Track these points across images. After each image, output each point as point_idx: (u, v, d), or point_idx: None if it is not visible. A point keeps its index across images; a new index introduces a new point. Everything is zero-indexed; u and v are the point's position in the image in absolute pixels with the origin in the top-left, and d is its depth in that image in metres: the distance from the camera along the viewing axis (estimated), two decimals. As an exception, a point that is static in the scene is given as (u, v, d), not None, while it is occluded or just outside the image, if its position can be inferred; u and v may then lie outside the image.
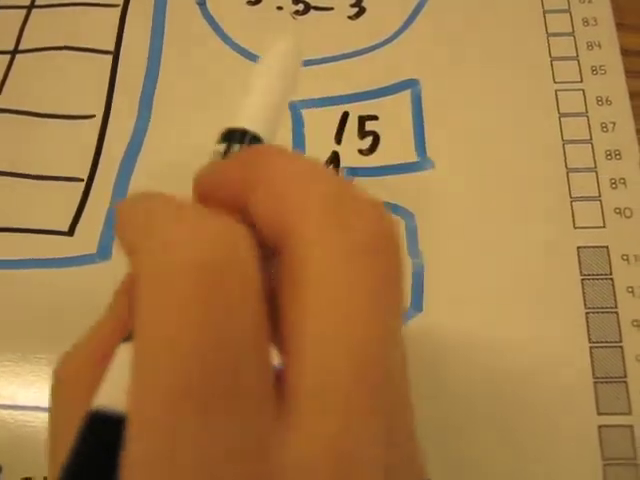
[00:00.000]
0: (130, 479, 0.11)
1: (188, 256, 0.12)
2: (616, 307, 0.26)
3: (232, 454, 0.11)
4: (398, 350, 0.13)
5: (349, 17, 0.31)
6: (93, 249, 0.28)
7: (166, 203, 0.14)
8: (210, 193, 0.15)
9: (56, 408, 0.14)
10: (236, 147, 0.17)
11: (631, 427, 0.24)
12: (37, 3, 0.33)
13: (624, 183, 0.27)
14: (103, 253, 0.28)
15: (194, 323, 0.11)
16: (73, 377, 0.15)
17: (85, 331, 0.15)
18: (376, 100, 0.29)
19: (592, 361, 0.25)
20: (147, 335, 0.11)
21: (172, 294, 0.11)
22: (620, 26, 0.31)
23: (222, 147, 0.17)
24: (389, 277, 0.13)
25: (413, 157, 0.28)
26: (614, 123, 0.28)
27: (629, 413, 0.24)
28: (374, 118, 0.29)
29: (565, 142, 0.28)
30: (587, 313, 0.25)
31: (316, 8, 0.31)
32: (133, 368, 0.11)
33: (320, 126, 0.29)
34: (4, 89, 0.31)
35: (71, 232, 0.28)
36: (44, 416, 0.25)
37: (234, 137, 0.17)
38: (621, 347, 0.25)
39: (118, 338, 0.14)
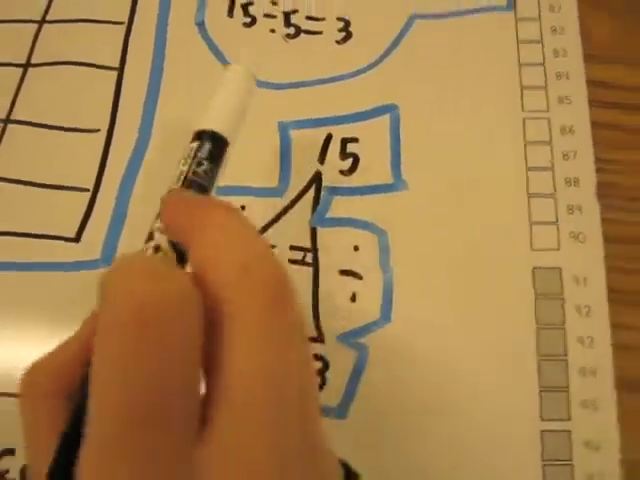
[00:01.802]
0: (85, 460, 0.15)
1: (138, 307, 0.15)
2: (564, 324, 0.29)
3: (158, 460, 0.15)
4: (307, 371, 0.17)
5: (337, 41, 0.34)
6: (97, 255, 0.32)
7: (143, 260, 0.17)
8: (168, 221, 0.19)
9: (23, 412, 0.18)
10: (207, 145, 0.21)
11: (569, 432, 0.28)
12: (48, 18, 0.36)
13: (580, 209, 0.31)
14: (106, 259, 0.31)
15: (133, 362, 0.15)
16: (37, 383, 0.19)
17: (53, 347, 0.19)
18: (358, 123, 0.33)
19: (539, 372, 0.28)
20: (98, 365, 0.15)
21: (117, 338, 0.15)
22: (587, 57, 0.33)
23: (195, 144, 0.22)
24: (293, 317, 0.17)
25: (389, 179, 0.31)
26: (575, 152, 0.32)
27: (568, 419, 0.28)
28: (355, 140, 0.32)
29: (529, 169, 0.31)
30: (538, 329, 0.29)
31: (306, 32, 0.35)
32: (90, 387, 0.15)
33: (305, 146, 0.32)
34: (17, 101, 0.35)
35: (77, 238, 0.32)
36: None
37: (204, 136, 0.22)
38: (566, 361, 0.29)
39: (80, 359, 0.18)
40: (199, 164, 0.21)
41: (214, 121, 0.22)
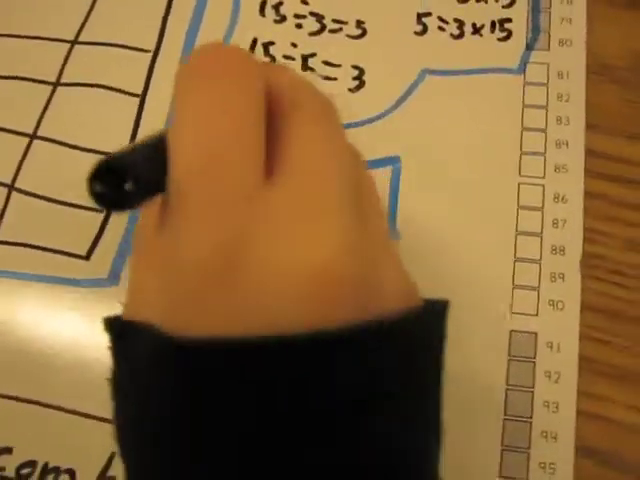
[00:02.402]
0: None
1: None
2: (532, 388, 0.31)
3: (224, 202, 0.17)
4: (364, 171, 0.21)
5: (349, 89, 0.36)
6: (105, 274, 0.34)
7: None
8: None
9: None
10: None
11: None
12: (80, 39, 0.39)
13: (562, 278, 0.32)
14: (113, 279, 0.34)
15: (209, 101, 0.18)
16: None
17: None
18: (360, 172, 0.34)
19: (503, 432, 0.31)
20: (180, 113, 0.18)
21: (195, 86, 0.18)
22: (590, 126, 0.35)
23: None
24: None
25: (383, 230, 0.33)
26: (565, 220, 0.33)
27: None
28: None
29: (518, 233, 0.33)
30: (507, 389, 0.31)
31: (322, 77, 0.36)
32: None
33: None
34: (44, 118, 0.37)
35: (88, 257, 0.35)
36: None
37: None
38: (530, 423, 0.31)
39: None
40: None
41: None
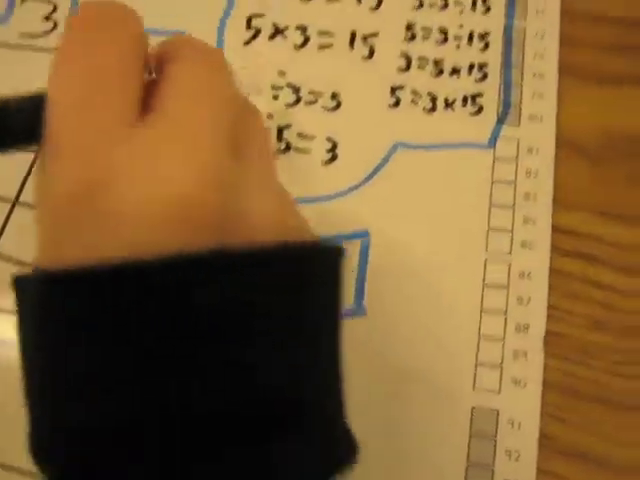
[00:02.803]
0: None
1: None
2: (493, 466, 0.32)
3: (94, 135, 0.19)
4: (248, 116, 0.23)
5: (323, 162, 0.37)
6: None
7: None
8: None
9: None
10: None
11: None
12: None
13: (525, 356, 0.33)
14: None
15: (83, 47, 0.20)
16: None
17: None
18: (330, 245, 0.35)
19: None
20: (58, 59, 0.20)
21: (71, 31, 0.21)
22: (557, 202, 0.36)
23: None
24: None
25: (350, 303, 0.34)
26: (530, 298, 0.34)
27: None
28: (326, 262, 0.35)
29: (483, 310, 0.34)
30: (467, 467, 0.32)
31: (296, 149, 0.37)
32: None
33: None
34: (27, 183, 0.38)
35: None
36: None
37: None
38: (489, 501, 0.32)
39: None
40: None
41: None
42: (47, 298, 0.19)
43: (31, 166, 0.39)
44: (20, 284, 0.20)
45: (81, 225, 0.19)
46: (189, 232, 0.18)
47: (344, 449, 0.22)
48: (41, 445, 0.20)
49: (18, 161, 0.39)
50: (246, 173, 0.21)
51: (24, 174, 0.40)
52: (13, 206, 0.39)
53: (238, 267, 0.19)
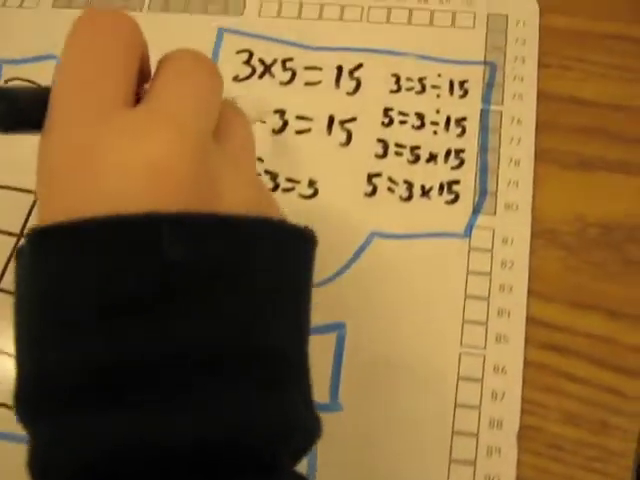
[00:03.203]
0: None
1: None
2: None
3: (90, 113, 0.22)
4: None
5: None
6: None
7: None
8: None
9: None
10: None
11: None
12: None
13: (499, 452, 0.33)
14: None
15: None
16: None
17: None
18: (306, 337, 0.36)
19: None
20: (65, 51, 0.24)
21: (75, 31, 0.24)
22: (532, 293, 0.36)
23: None
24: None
25: (326, 398, 0.35)
26: (504, 392, 0.34)
27: None
28: (301, 355, 0.35)
29: (457, 405, 0.34)
30: None
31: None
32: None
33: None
34: (7, 272, 0.39)
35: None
36: None
37: None
38: None
39: None
40: None
41: None
42: (39, 248, 0.21)
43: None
44: (20, 250, 0.23)
45: (69, 186, 0.22)
46: (161, 196, 0.21)
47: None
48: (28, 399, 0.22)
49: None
50: (224, 159, 0.24)
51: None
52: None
53: (205, 229, 0.21)
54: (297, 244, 0.25)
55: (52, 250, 0.21)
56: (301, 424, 0.24)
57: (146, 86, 0.26)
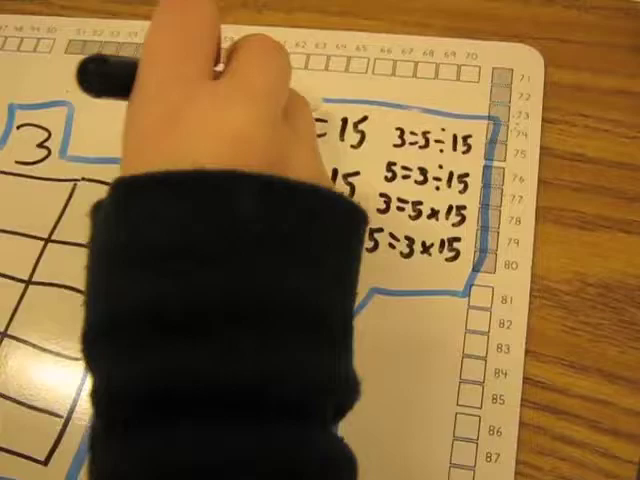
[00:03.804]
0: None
1: None
2: None
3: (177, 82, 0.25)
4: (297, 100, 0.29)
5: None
6: (61, 480, 0.37)
7: None
8: None
9: None
10: None
11: None
12: (53, 237, 0.42)
13: (492, 514, 0.34)
14: (69, 486, 0.37)
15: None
16: None
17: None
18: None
19: None
20: (151, 27, 0.26)
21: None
22: (529, 352, 0.37)
23: None
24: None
25: (323, 455, 0.35)
26: (498, 454, 0.35)
27: None
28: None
29: (452, 466, 0.35)
30: None
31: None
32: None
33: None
34: (15, 317, 0.40)
35: (46, 462, 0.37)
36: None
37: None
38: None
39: None
40: None
41: None
42: (127, 197, 0.23)
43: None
44: (97, 205, 0.25)
45: (157, 145, 0.24)
46: (240, 159, 0.23)
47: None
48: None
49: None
50: (293, 133, 0.27)
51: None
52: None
53: (277, 192, 0.24)
54: (357, 217, 0.27)
55: (142, 197, 0.23)
56: (343, 380, 0.25)
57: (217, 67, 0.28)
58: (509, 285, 0.38)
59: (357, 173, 0.41)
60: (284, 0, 0.48)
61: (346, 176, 0.41)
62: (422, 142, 0.42)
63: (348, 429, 0.36)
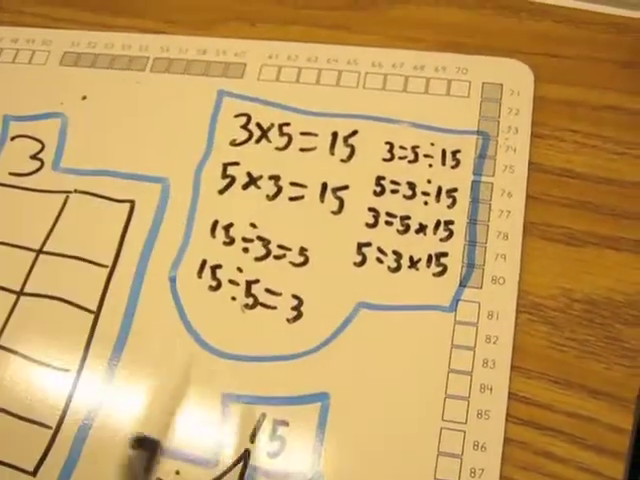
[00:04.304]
0: None
1: None
2: None
3: None
4: None
5: (287, 319, 0.39)
6: (49, 493, 0.37)
7: None
8: None
9: None
10: None
11: None
12: (45, 249, 0.42)
13: (475, 530, 0.34)
14: (56, 497, 0.37)
15: None
16: None
17: None
18: (291, 407, 0.37)
19: None
20: None
21: None
22: (515, 368, 0.37)
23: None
24: None
25: (309, 470, 0.36)
26: (482, 470, 0.35)
27: None
28: (286, 424, 0.37)
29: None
30: None
31: (263, 305, 0.39)
32: None
33: (240, 422, 0.37)
34: (7, 327, 0.41)
35: (35, 473, 0.38)
36: None
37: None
38: None
39: None
40: None
41: None
42: None
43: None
44: None
45: None
46: None
47: None
48: None
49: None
50: None
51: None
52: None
53: None
54: None
55: None
56: None
57: None
58: (496, 300, 0.38)
59: (346, 187, 0.42)
60: (277, 13, 0.48)
61: (335, 190, 0.42)
62: (411, 157, 0.42)
63: (333, 442, 0.36)
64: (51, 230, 0.43)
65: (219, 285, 0.40)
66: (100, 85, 0.47)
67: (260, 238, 0.41)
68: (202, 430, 0.37)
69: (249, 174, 0.43)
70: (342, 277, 0.40)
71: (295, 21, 0.48)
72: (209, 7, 0.50)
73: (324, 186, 0.42)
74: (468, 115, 0.43)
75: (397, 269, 0.39)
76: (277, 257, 0.40)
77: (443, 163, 0.42)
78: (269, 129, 0.44)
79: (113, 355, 0.39)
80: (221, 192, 0.43)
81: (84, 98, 0.47)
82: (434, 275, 0.39)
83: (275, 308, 0.39)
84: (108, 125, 0.46)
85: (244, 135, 0.44)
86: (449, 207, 0.40)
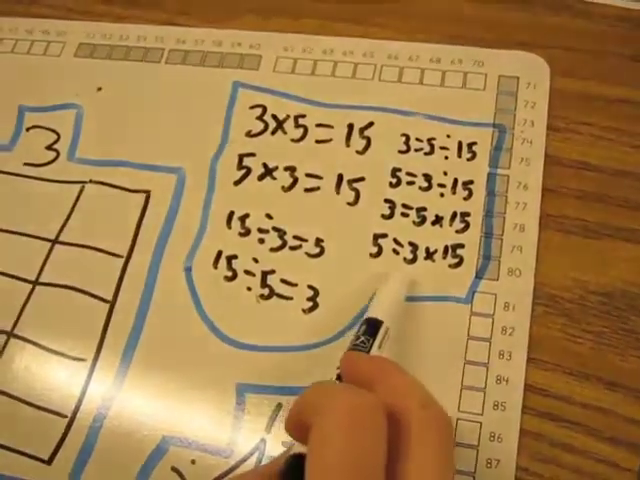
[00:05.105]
0: None
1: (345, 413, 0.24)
2: None
3: None
4: None
5: (303, 310, 0.39)
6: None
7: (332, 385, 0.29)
8: (349, 370, 0.30)
9: None
10: (363, 326, 0.34)
11: None
12: (60, 239, 0.42)
13: (492, 519, 0.34)
14: (72, 483, 0.37)
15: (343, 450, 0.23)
16: None
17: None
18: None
19: None
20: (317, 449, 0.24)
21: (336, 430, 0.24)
22: (531, 360, 0.37)
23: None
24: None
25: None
26: (498, 460, 0.35)
27: None
28: (302, 414, 0.37)
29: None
30: None
31: (279, 295, 0.39)
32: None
33: (257, 412, 0.37)
34: (22, 317, 0.41)
35: (50, 461, 0.38)
36: None
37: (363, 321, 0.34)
38: None
39: None
40: (357, 338, 0.33)
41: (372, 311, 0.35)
42: None
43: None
44: None
45: None
46: None
47: None
48: None
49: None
50: None
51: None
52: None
53: None
54: None
55: None
56: None
57: None
58: (512, 292, 0.38)
59: (362, 179, 0.42)
60: (292, 6, 0.49)
61: (351, 182, 0.42)
62: (427, 149, 0.42)
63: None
64: (66, 220, 0.43)
65: (235, 275, 0.40)
66: (115, 76, 0.48)
67: (276, 229, 0.41)
68: (218, 420, 0.37)
69: (265, 165, 0.43)
70: (358, 268, 0.40)
71: (310, 14, 0.48)
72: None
73: (340, 177, 0.42)
74: (484, 108, 0.43)
75: (413, 260, 0.40)
76: (293, 248, 0.41)
77: (459, 155, 0.42)
78: (285, 120, 0.44)
79: (128, 345, 0.40)
80: (237, 183, 0.43)
81: (99, 89, 0.47)
82: (450, 267, 0.39)
83: (291, 299, 0.39)
84: (123, 116, 0.46)
85: (260, 126, 0.44)
86: (465, 199, 0.41)
